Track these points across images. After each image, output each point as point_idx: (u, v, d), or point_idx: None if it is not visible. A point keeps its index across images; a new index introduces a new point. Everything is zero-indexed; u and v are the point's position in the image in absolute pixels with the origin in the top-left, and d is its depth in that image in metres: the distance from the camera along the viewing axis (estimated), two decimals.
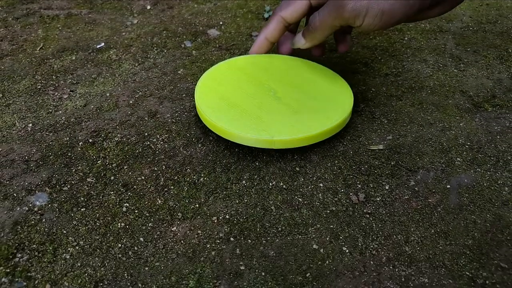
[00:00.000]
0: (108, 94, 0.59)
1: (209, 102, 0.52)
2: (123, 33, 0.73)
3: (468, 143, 0.51)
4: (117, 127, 0.53)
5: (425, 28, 0.74)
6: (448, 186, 0.46)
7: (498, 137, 0.52)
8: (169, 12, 0.80)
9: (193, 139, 0.52)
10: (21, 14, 0.78)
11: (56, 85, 0.60)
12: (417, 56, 0.67)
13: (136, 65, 0.65)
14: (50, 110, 0.56)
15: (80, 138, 0.51)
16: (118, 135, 0.52)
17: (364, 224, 0.43)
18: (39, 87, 0.60)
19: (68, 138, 0.51)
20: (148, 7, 0.82)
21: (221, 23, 0.76)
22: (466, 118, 0.55)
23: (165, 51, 0.68)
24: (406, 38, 0.72)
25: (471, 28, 0.74)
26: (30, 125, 0.53)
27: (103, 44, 0.70)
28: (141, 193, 0.45)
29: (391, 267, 0.39)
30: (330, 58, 0.66)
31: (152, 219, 0.43)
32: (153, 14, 0.80)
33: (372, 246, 0.41)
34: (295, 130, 0.47)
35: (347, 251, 0.40)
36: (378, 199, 0.45)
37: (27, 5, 0.81)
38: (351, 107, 0.52)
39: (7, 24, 0.75)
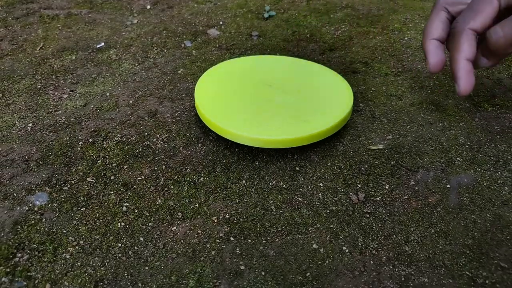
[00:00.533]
0: (108, 94, 0.59)
1: (209, 101, 0.52)
2: (123, 33, 0.73)
3: (468, 143, 0.51)
4: (117, 126, 0.53)
5: None
6: (448, 186, 0.46)
7: (498, 136, 0.52)
8: (169, 12, 0.80)
9: (193, 138, 0.52)
10: (21, 14, 0.78)
11: (56, 84, 0.60)
12: (417, 56, 0.67)
13: (136, 64, 0.65)
14: (50, 110, 0.56)
15: (80, 137, 0.51)
16: (118, 135, 0.52)
17: (364, 223, 0.43)
18: (39, 86, 0.60)
19: (68, 138, 0.51)
20: (148, 7, 0.82)
21: (221, 23, 0.76)
22: (466, 118, 0.55)
23: (165, 50, 0.68)
24: (406, 38, 0.72)
25: None
26: (30, 124, 0.53)
27: (103, 44, 0.70)
28: (141, 193, 0.45)
29: (391, 267, 0.39)
30: (330, 58, 0.66)
31: (152, 219, 0.43)
32: (153, 14, 0.80)
33: (372, 246, 0.41)
34: (295, 129, 0.47)
35: (347, 250, 0.40)
36: (378, 198, 0.45)
37: (27, 5, 0.81)
38: (351, 106, 0.52)
39: (7, 24, 0.75)
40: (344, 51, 0.68)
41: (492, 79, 0.62)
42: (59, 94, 0.59)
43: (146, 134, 0.52)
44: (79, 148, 0.50)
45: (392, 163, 0.49)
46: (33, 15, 0.78)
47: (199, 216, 0.43)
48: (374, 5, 0.81)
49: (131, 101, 0.57)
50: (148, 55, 0.67)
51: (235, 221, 0.43)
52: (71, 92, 0.59)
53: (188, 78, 0.62)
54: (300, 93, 0.53)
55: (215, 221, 0.43)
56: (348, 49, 0.69)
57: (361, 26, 0.75)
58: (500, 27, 0.38)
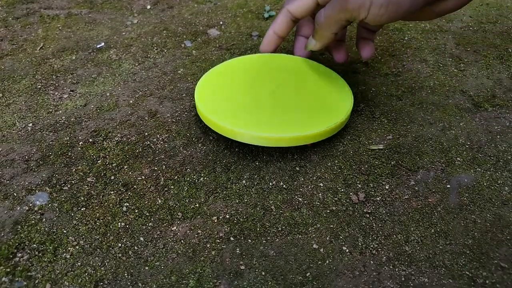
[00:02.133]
0: (108, 94, 0.59)
1: (209, 101, 0.52)
2: (123, 33, 0.73)
3: (468, 143, 0.51)
4: (117, 126, 0.53)
5: (425, 28, 0.74)
6: (448, 186, 0.46)
7: (498, 136, 0.52)
8: (169, 12, 0.80)
9: (193, 138, 0.52)
10: (21, 13, 0.78)
11: (56, 84, 0.60)
12: (417, 56, 0.67)
13: (136, 64, 0.65)
14: (50, 110, 0.56)
15: (80, 137, 0.52)
16: (118, 135, 0.52)
17: (364, 223, 0.43)
18: (39, 86, 0.60)
19: (68, 138, 0.51)
20: (148, 6, 0.82)
21: (221, 23, 0.76)
22: (466, 118, 0.55)
23: (165, 50, 0.68)
24: (406, 38, 0.72)
25: (471, 28, 0.74)
26: (30, 124, 0.53)
27: (103, 43, 0.70)
28: (141, 193, 0.45)
29: (391, 267, 0.39)
30: (330, 58, 0.66)
31: (152, 219, 0.43)
32: (153, 13, 0.80)
33: (372, 246, 0.41)
34: (295, 129, 0.47)
35: (347, 250, 0.40)
36: (378, 198, 0.45)
37: (27, 5, 0.81)
38: (351, 106, 0.52)
39: (7, 24, 0.75)
40: None
41: (492, 79, 0.62)
42: (59, 94, 0.59)
43: (146, 134, 0.52)
44: (79, 148, 0.50)
45: (392, 163, 0.49)
46: (33, 15, 0.78)
47: (199, 216, 0.43)
48: None
49: (131, 101, 0.57)
50: (148, 55, 0.67)
51: (235, 221, 0.43)
52: (71, 92, 0.59)
53: (188, 78, 0.62)
54: (300, 93, 0.53)
55: (215, 221, 0.43)
56: (349, 49, 0.68)
57: None
58: (323, 9, 0.47)
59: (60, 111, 0.56)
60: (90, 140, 0.51)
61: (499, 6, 0.81)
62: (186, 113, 0.56)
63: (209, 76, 0.56)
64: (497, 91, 0.59)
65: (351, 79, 0.61)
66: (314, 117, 0.50)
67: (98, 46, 0.69)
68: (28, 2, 0.82)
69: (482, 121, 0.54)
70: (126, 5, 0.82)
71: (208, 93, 0.53)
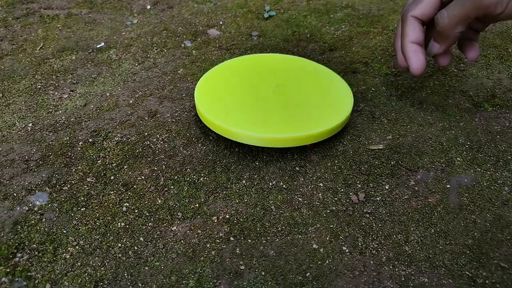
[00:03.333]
0: (108, 94, 0.59)
1: (209, 101, 0.52)
2: (123, 33, 0.73)
3: (468, 143, 0.51)
4: (117, 126, 0.53)
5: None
6: (448, 186, 0.46)
7: (498, 136, 0.52)
8: (169, 12, 0.80)
9: (193, 138, 0.52)
10: (21, 14, 0.78)
11: (56, 84, 0.60)
12: None
13: (136, 64, 0.65)
14: (50, 110, 0.56)
15: (80, 138, 0.52)
16: (118, 135, 0.52)
17: (364, 223, 0.43)
18: (39, 86, 0.60)
19: (68, 138, 0.51)
20: (148, 7, 0.82)
21: (221, 23, 0.76)
22: (466, 118, 0.55)
23: (165, 50, 0.68)
24: None
25: None
26: (30, 124, 0.53)
27: (103, 43, 0.70)
28: (141, 193, 0.45)
29: (391, 267, 0.39)
30: (330, 58, 0.66)
31: (152, 219, 0.43)
32: (153, 14, 0.80)
33: (372, 246, 0.41)
34: (295, 129, 0.47)
35: (347, 250, 0.40)
36: (378, 198, 0.45)
37: (27, 5, 0.81)
38: (351, 107, 0.52)
39: (7, 24, 0.75)
40: (344, 51, 0.68)
41: (492, 79, 0.62)
42: (59, 94, 0.59)
43: (146, 134, 0.52)
44: (79, 148, 0.50)
45: (392, 163, 0.49)
46: (33, 15, 0.78)
47: (199, 216, 0.43)
48: (374, 5, 0.81)
49: (131, 101, 0.57)
50: (148, 55, 0.67)
51: (235, 221, 0.43)
52: (71, 92, 0.59)
53: (188, 78, 0.62)
54: (300, 93, 0.53)
55: (215, 221, 0.43)
56: (348, 49, 0.69)
57: (361, 26, 0.75)
58: (445, 10, 0.43)
59: (60, 111, 0.56)
60: (90, 140, 0.51)
61: None
62: (186, 113, 0.56)
63: (209, 76, 0.56)
64: (497, 91, 0.59)
65: (351, 79, 0.61)
66: (314, 117, 0.50)
67: (98, 46, 0.69)
68: (28, 2, 0.82)
69: (482, 121, 0.54)
70: (126, 5, 0.82)
71: (208, 93, 0.53)
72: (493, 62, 0.65)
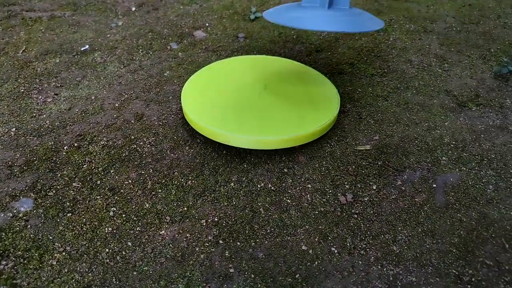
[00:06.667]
0: (93, 97, 0.58)
1: (196, 104, 0.51)
2: (108, 35, 0.72)
3: (453, 142, 0.52)
4: (103, 130, 0.53)
5: (410, 29, 0.75)
6: (434, 185, 0.47)
7: (482, 135, 0.53)
8: (154, 14, 0.80)
9: (181, 141, 0.52)
10: (2, 16, 0.77)
11: (40, 88, 0.59)
12: (402, 57, 0.68)
13: (122, 67, 0.64)
14: (34, 114, 0.55)
15: (65, 142, 0.51)
16: (104, 139, 0.51)
17: (352, 224, 0.43)
18: (22, 90, 0.59)
19: (52, 143, 0.51)
20: (133, 8, 0.81)
21: (207, 24, 0.76)
22: (451, 118, 0.56)
23: (151, 53, 0.68)
24: (391, 39, 0.72)
25: (454, 29, 0.75)
26: (14, 129, 0.52)
27: (87, 46, 0.69)
28: (128, 197, 0.45)
29: (379, 267, 0.39)
30: (316, 59, 0.67)
31: (140, 223, 0.42)
32: (138, 15, 0.79)
33: (360, 246, 0.41)
34: (282, 131, 0.48)
35: (335, 251, 0.40)
36: (365, 199, 0.45)
37: (8, 7, 0.80)
38: (338, 108, 0.52)
39: None
40: (330, 52, 0.69)
41: (475, 79, 0.63)
42: (43, 98, 0.58)
43: (132, 137, 0.52)
44: (64, 153, 0.49)
45: (379, 163, 0.49)
46: (15, 18, 0.76)
47: (187, 220, 0.43)
48: (359, 6, 0.82)
49: (116, 104, 0.57)
50: (134, 58, 0.66)
51: (223, 224, 0.43)
52: (55, 96, 0.58)
53: (175, 81, 0.62)
54: (286, 95, 0.53)
55: (204, 224, 0.42)
56: (334, 50, 0.69)
57: None
58: None
59: (44, 115, 0.55)
60: (75, 144, 0.51)
61: (481, 7, 0.83)
62: (172, 115, 0.55)
63: (196, 78, 0.56)
64: (480, 91, 0.60)
65: (338, 80, 0.62)
66: (301, 119, 0.50)
67: (82, 48, 0.68)
68: (9, 4, 0.81)
69: (466, 121, 0.55)
70: (111, 7, 0.82)
71: (195, 96, 0.53)
72: (476, 62, 0.66)
